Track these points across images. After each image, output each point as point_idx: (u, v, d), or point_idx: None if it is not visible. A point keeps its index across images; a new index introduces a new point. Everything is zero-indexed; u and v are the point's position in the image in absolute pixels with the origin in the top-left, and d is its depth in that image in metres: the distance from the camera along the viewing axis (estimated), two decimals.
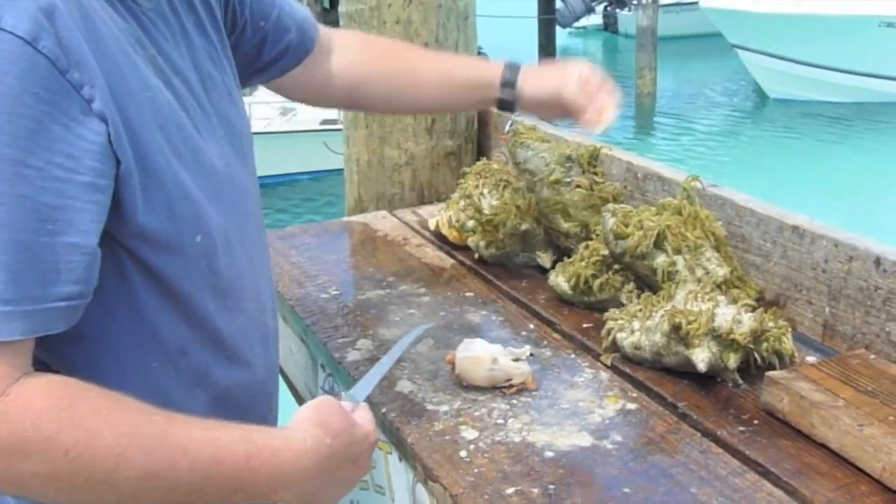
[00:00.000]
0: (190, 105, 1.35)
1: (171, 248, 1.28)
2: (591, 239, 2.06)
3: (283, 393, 2.43)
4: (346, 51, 1.91)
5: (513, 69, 1.93)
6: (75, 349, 1.24)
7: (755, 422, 1.58)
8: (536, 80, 1.93)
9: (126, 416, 1.16)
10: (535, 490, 1.43)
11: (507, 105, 1.95)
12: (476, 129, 2.85)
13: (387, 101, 2.02)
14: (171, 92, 1.31)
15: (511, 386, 1.71)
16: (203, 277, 1.35)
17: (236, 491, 1.23)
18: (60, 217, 1.12)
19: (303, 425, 1.32)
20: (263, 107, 15.92)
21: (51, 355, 1.22)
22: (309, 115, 15.47)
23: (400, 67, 1.97)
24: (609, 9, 33.30)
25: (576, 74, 1.89)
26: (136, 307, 1.29)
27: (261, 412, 1.52)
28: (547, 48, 26.28)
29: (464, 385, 1.73)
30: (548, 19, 27.02)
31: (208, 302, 1.37)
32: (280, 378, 2.43)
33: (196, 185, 1.31)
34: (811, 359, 1.76)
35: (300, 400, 2.36)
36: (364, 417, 1.41)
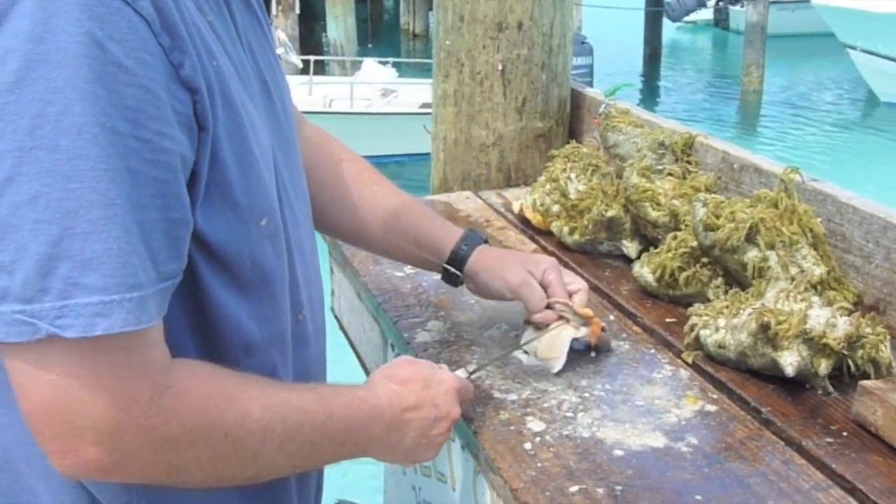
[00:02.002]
0: (245, 76, 1.25)
1: (234, 235, 1.18)
2: (680, 229, 1.96)
3: (357, 372, 2.39)
4: (306, 139, 1.66)
5: (469, 244, 1.71)
6: None
7: (844, 434, 1.47)
8: (491, 272, 1.68)
9: (262, 390, 1.18)
10: (601, 490, 1.34)
11: (449, 278, 1.73)
12: (568, 111, 2.76)
13: (319, 214, 1.65)
14: (230, 61, 1.21)
15: (587, 322, 1.66)
16: (271, 266, 1.26)
17: (344, 442, 1.28)
18: (169, 192, 1.05)
19: (369, 382, 1.40)
20: (364, 87, 16.04)
21: None
22: (409, 98, 15.53)
23: (355, 184, 1.72)
24: (721, 4, 32.82)
25: (539, 276, 1.67)
26: (199, 297, 1.19)
27: None
28: (652, 41, 26.03)
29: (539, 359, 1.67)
30: (655, 12, 26.74)
31: (275, 291, 1.28)
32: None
33: (262, 160, 1.22)
34: None
35: None
36: (446, 371, 1.47)
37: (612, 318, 1.89)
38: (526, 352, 1.69)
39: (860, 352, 1.58)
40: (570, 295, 1.67)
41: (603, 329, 1.71)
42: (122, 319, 1.00)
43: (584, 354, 1.71)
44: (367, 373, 2.31)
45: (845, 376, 1.59)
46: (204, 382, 1.12)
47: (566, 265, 2.16)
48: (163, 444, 1.07)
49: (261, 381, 1.20)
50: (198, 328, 1.20)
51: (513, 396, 1.59)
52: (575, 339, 1.66)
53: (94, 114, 0.98)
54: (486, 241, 1.74)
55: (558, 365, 1.65)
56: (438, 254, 1.72)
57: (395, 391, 1.36)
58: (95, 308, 0.99)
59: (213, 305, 1.19)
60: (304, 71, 16.17)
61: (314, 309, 1.43)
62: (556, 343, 1.65)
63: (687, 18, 31.66)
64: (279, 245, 1.27)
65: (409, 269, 2.13)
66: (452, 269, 1.71)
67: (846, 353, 1.57)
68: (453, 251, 1.71)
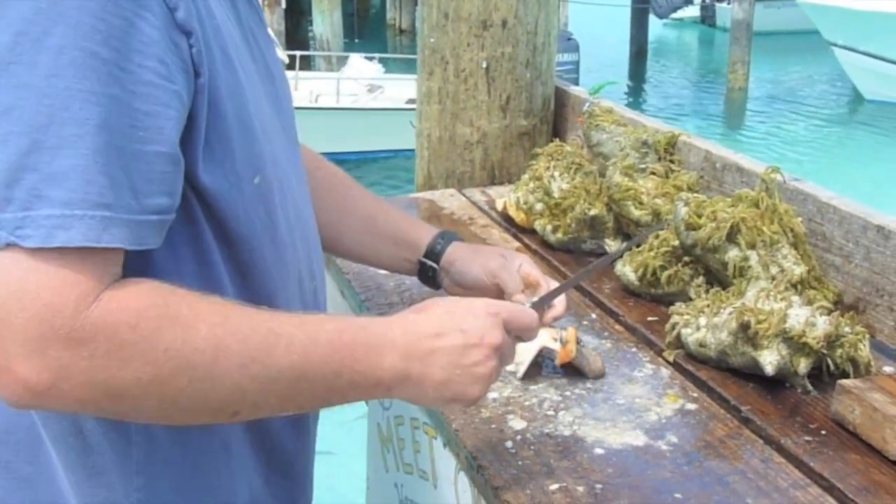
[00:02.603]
0: (241, 41, 1.26)
1: (230, 187, 1.18)
2: (663, 228, 1.97)
3: None
4: None
5: (444, 240, 1.75)
6: None
7: (823, 432, 1.48)
8: (468, 260, 1.72)
9: (216, 308, 1.11)
10: (581, 488, 1.35)
11: (426, 276, 1.76)
12: (553, 109, 2.76)
13: None
14: (232, 38, 1.22)
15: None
16: (263, 225, 1.24)
17: (341, 373, 1.17)
18: (152, 124, 1.05)
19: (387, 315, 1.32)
20: (351, 83, 15.99)
21: None
22: (396, 94, 15.49)
23: (331, 189, 1.74)
24: (707, 1, 32.85)
25: (516, 265, 1.67)
26: (204, 255, 1.19)
27: None
28: (639, 38, 26.06)
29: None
30: (642, 8, 26.77)
31: (267, 256, 1.26)
32: None
33: (256, 120, 1.22)
34: (889, 369, 1.66)
35: None
36: (479, 299, 1.33)
37: (594, 316, 1.90)
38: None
39: (839, 351, 1.60)
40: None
41: (579, 341, 1.69)
42: (82, 234, 1.00)
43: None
44: None
45: (824, 375, 1.60)
46: (141, 296, 1.06)
47: (549, 263, 2.17)
48: (92, 359, 1.02)
49: (223, 302, 1.13)
50: (202, 284, 1.17)
51: (494, 395, 1.59)
52: (546, 350, 1.65)
53: (74, 37, 1.00)
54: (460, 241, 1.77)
55: (521, 370, 1.64)
56: (415, 250, 1.75)
57: (411, 319, 1.26)
58: (57, 220, 0.99)
59: (216, 261, 1.20)
60: (290, 66, 16.11)
61: (317, 282, 1.42)
62: (521, 347, 1.62)
63: (673, 15, 31.65)
64: (273, 210, 1.26)
65: None
66: (429, 262, 1.73)
67: (825, 352, 1.58)
68: (430, 246, 1.75)
